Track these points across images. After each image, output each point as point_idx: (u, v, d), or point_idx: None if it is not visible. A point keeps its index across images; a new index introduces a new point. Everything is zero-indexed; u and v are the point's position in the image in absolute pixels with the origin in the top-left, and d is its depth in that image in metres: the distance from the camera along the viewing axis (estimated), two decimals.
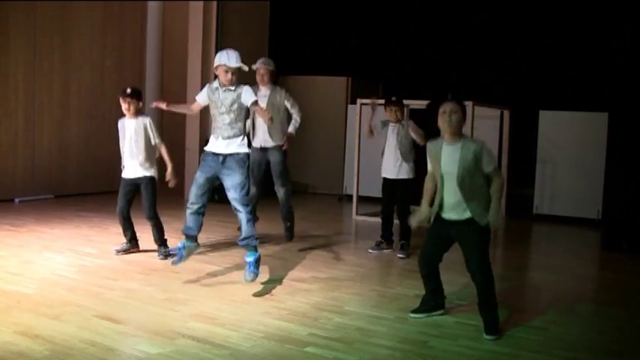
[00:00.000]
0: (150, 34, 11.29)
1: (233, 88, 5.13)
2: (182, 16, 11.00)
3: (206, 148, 5.26)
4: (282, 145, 6.73)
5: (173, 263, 5.39)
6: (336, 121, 11.68)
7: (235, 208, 5.15)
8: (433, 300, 4.68)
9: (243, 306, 4.79)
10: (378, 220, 8.99)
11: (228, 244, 6.89)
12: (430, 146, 4.49)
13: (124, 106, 6.18)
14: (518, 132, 10.00)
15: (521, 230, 9.09)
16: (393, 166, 6.80)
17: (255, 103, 5.17)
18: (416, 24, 12.24)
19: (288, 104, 6.78)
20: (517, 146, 10.01)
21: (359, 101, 9.26)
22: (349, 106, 11.18)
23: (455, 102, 4.34)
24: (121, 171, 6.41)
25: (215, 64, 5.15)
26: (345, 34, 12.67)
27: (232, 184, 5.09)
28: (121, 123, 6.33)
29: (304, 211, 9.22)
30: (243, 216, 5.11)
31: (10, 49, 9.38)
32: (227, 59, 5.06)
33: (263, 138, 6.73)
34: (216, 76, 5.26)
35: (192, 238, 5.31)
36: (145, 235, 6.95)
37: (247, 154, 5.19)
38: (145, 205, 6.24)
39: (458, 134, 4.33)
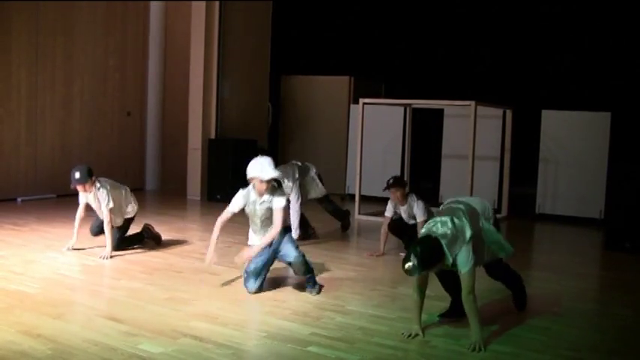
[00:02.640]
0: (152, 34, 11.30)
1: (269, 199, 5.12)
2: (184, 16, 11.00)
3: (250, 243, 5.32)
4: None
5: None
6: (338, 121, 11.67)
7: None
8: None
9: (245, 305, 4.79)
10: (380, 219, 9.00)
11: (230, 244, 6.89)
12: None
13: (80, 190, 6.16)
14: (520, 131, 9.99)
15: (523, 229, 9.08)
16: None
17: (280, 210, 5.12)
18: (418, 23, 12.22)
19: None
20: (519, 145, 10.00)
21: (361, 101, 9.26)
22: (351, 106, 11.18)
23: None
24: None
25: (249, 176, 5.12)
26: (348, 34, 12.66)
27: (293, 257, 5.12)
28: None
29: (307, 211, 9.19)
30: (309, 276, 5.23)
31: (13, 49, 9.39)
32: (260, 172, 5.05)
33: None
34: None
35: None
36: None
37: (286, 227, 5.25)
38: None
39: None
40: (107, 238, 6.10)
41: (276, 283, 5.41)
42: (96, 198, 6.12)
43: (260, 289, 5.09)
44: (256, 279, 5.10)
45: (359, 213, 9.11)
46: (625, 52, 10.54)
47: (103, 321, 4.32)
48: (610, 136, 9.12)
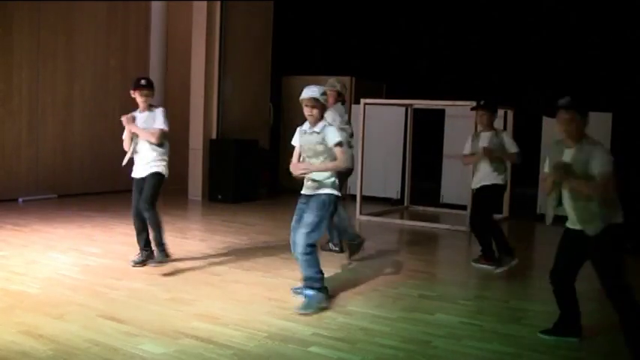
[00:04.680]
0: (154, 34, 11.29)
1: (318, 130, 4.81)
2: (186, 16, 11.01)
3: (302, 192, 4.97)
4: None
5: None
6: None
7: (294, 250, 4.81)
8: (563, 323, 4.35)
9: (246, 306, 4.79)
10: (382, 219, 9.01)
11: (232, 244, 6.89)
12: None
13: (141, 99, 5.76)
14: (521, 132, 9.98)
15: (524, 230, 9.07)
16: (483, 175, 6.19)
17: (338, 144, 4.76)
18: (419, 24, 12.23)
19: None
20: (521, 146, 9.95)
21: (362, 101, 9.25)
22: (353, 106, 11.18)
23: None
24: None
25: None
26: (349, 34, 12.66)
27: (305, 222, 4.76)
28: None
29: None
30: (301, 258, 4.77)
31: (14, 49, 9.39)
32: (304, 93, 4.75)
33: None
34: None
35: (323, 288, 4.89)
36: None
37: (332, 196, 4.81)
38: (143, 195, 5.70)
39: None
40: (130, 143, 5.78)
41: (277, 283, 5.41)
42: (150, 118, 5.75)
43: (299, 248, 4.74)
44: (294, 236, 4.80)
45: (360, 213, 9.11)
46: (626, 53, 10.53)
47: (104, 321, 4.32)
48: (611, 137, 9.11)
